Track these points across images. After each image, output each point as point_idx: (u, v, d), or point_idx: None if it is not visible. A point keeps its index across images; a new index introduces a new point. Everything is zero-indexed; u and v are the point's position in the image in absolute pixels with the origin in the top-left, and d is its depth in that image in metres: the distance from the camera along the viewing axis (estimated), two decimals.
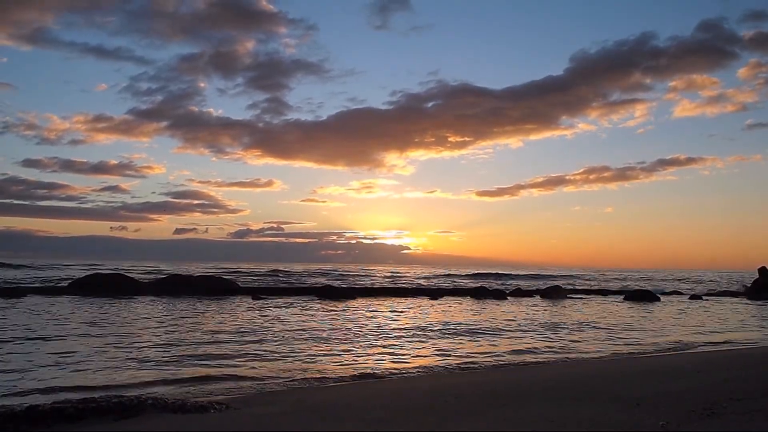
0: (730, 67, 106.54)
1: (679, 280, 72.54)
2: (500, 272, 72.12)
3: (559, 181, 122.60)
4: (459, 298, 33.37)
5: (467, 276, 65.16)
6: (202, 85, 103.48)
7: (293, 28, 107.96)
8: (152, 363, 10.67)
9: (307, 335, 15.12)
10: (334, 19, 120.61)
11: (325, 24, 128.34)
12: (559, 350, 13.58)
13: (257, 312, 21.34)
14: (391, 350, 13.05)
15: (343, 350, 12.82)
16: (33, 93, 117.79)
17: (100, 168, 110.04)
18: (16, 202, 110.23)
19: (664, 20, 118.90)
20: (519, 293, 37.21)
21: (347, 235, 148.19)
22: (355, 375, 10.25)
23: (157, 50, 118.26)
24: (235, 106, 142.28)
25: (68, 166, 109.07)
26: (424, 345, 13.98)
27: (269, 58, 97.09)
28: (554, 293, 35.53)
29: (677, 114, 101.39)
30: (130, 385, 8.83)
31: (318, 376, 10.06)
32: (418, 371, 10.83)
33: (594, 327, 18.67)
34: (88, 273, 34.46)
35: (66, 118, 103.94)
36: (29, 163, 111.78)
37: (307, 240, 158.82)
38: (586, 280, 63.66)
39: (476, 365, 11.46)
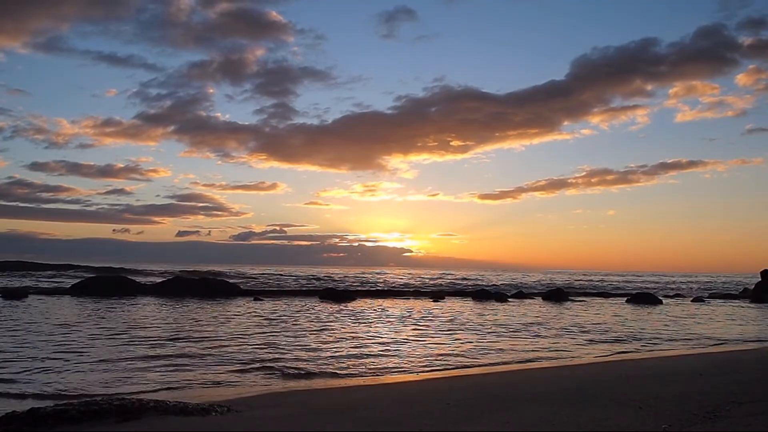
0: (730, 74, 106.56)
1: (682, 282, 72.49)
2: (502, 274, 72.08)
3: (561, 184, 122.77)
4: (460, 300, 33.35)
5: (469, 278, 65.10)
6: (210, 90, 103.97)
7: (302, 37, 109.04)
8: (154, 365, 10.68)
9: (307, 337, 15.12)
10: (342, 29, 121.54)
11: (333, 33, 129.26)
12: (560, 352, 13.55)
13: (258, 314, 21.35)
14: (391, 351, 13.04)
15: (344, 351, 12.81)
16: (44, 98, 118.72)
17: (106, 171, 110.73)
18: (21, 204, 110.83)
19: (665, 27, 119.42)
20: (521, 295, 37.16)
21: (349, 237, 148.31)
22: (355, 377, 10.25)
23: (168, 58, 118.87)
24: (243, 112, 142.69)
25: (75, 169, 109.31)
26: (424, 345, 13.97)
27: (277, 65, 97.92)
28: (556, 295, 35.46)
29: (678, 119, 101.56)
30: (131, 387, 8.84)
31: (319, 377, 10.06)
32: (419, 373, 10.82)
33: (595, 329, 18.64)
34: (91, 275, 34.54)
35: (75, 123, 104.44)
36: (36, 166, 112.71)
37: (309, 242, 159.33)
38: (588, 282, 63.58)
39: (477, 367, 11.45)
